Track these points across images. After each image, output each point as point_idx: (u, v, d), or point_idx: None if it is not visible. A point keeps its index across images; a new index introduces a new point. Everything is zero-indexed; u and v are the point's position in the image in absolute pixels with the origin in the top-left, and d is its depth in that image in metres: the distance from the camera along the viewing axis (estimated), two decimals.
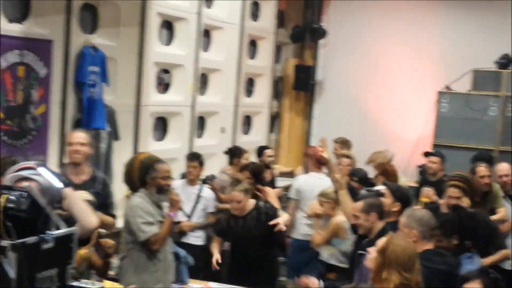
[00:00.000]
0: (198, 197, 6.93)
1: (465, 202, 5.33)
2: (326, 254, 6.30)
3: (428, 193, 7.09)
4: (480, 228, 5.08)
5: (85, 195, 4.83)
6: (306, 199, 7.13)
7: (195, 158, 7.02)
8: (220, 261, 6.05)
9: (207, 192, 7.03)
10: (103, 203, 5.22)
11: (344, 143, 8.71)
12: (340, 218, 6.16)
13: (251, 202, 6.00)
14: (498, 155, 9.66)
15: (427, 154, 8.36)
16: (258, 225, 5.89)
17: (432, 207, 5.72)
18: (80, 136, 5.25)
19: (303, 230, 7.13)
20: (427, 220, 4.27)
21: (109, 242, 4.62)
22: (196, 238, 6.92)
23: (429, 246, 4.21)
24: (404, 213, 4.39)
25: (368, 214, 4.69)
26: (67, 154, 5.33)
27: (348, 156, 7.93)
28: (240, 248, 6.05)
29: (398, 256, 3.47)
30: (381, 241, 3.61)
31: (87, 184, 5.10)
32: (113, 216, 5.45)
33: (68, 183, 3.39)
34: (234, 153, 7.89)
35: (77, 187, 4.82)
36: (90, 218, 3.49)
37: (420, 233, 4.17)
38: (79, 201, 3.49)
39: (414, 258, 3.51)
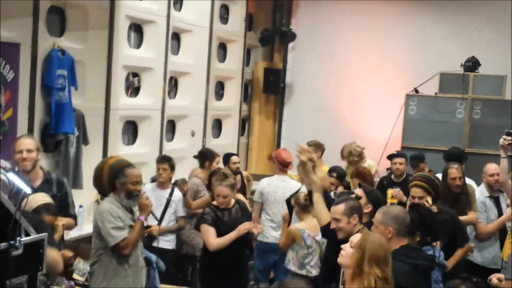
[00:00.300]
0: (169, 201, 6.89)
1: (428, 201, 5.40)
2: (287, 259, 6.31)
3: (396, 193, 7.18)
4: (438, 224, 5.14)
5: (44, 197, 4.79)
6: (269, 202, 7.15)
7: (165, 161, 6.97)
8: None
9: (177, 195, 6.98)
10: (62, 204, 5.22)
11: (317, 146, 8.72)
12: (296, 225, 6.23)
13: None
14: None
15: (391, 157, 8.43)
16: (243, 216, 6.01)
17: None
18: (26, 143, 5.18)
19: (267, 232, 7.12)
20: (403, 217, 4.32)
21: (68, 253, 4.59)
22: (166, 242, 6.87)
23: (404, 242, 4.25)
24: (379, 210, 4.41)
25: (350, 217, 4.70)
26: (17, 161, 5.19)
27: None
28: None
29: (377, 251, 3.53)
30: (356, 238, 3.65)
31: (41, 189, 5.04)
32: (74, 216, 5.45)
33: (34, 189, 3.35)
34: (206, 156, 7.81)
35: (34, 191, 4.77)
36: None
37: (395, 230, 4.21)
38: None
39: (389, 253, 3.58)
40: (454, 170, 6.54)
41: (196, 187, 7.38)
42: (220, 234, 5.91)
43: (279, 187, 7.13)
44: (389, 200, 7.20)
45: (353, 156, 8.48)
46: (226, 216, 5.98)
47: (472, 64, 10.16)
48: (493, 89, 10.06)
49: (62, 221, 5.00)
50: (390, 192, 7.37)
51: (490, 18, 10.58)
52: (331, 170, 7.41)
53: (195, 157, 8.02)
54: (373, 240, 3.62)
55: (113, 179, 4.95)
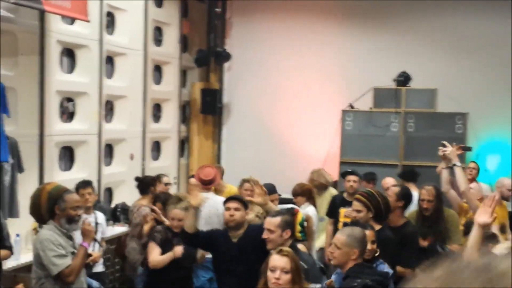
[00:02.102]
0: (96, 224, 6.82)
1: (365, 216, 5.41)
2: None
3: (349, 213, 7.17)
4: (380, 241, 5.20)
5: None
6: (200, 217, 7.20)
7: (88, 185, 6.84)
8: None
9: (102, 218, 6.98)
10: None
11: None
12: None
13: None
14: (401, 170, 9.99)
15: (345, 174, 8.44)
16: None
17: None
18: None
19: None
20: (364, 238, 4.36)
21: None
22: (99, 265, 6.84)
23: (358, 260, 4.28)
24: (342, 232, 4.40)
25: (284, 231, 4.72)
26: None
27: (249, 181, 8.00)
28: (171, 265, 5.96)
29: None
30: (284, 260, 3.68)
31: None
32: (10, 248, 5.36)
33: None
34: (147, 183, 7.72)
35: None
36: None
37: (360, 252, 4.24)
38: None
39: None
40: (424, 191, 6.37)
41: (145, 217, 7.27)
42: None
43: (207, 203, 7.13)
44: (341, 219, 7.21)
45: (322, 182, 8.54)
46: (176, 241, 5.93)
47: (404, 79, 10.41)
48: (425, 102, 10.32)
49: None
50: (342, 211, 7.36)
51: (421, 33, 10.88)
52: (245, 181, 7.48)
53: (137, 183, 7.87)
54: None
55: (53, 206, 4.86)
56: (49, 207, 4.88)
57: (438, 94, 10.27)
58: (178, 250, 5.86)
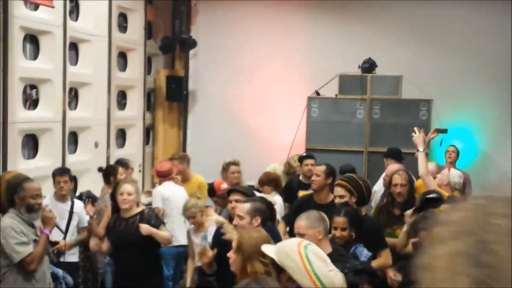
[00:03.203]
0: (71, 213, 6.72)
1: (349, 201, 5.43)
2: None
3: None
4: (366, 223, 5.22)
5: None
6: (172, 203, 7.43)
7: (65, 173, 6.78)
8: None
9: (79, 206, 6.82)
10: None
11: (182, 158, 8.65)
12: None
13: (139, 208, 5.98)
14: (367, 156, 10.08)
15: (302, 158, 8.53)
16: (137, 230, 5.81)
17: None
18: None
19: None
20: (323, 217, 4.40)
21: None
22: (71, 255, 6.72)
23: (327, 244, 4.29)
24: (300, 219, 4.40)
25: (253, 218, 4.72)
26: None
27: (235, 163, 8.06)
28: (118, 251, 5.95)
29: (255, 245, 3.59)
30: (234, 241, 3.68)
31: None
32: None
33: None
34: (108, 172, 7.71)
35: None
36: None
37: (324, 230, 4.28)
38: None
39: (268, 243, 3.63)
40: (397, 175, 6.11)
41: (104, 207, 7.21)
42: (110, 243, 5.94)
43: (175, 192, 7.56)
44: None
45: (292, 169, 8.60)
46: (121, 226, 5.89)
47: (369, 66, 10.46)
48: (390, 89, 10.39)
49: None
50: (301, 194, 7.42)
51: (386, 20, 10.95)
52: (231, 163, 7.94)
53: (99, 171, 7.87)
54: (249, 237, 3.68)
55: (12, 194, 4.84)
56: (9, 195, 4.87)
57: (402, 81, 10.35)
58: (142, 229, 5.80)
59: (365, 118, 10.32)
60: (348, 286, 3.45)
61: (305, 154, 8.92)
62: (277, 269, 3.32)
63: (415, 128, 6.63)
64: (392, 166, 7.23)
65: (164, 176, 7.64)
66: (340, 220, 4.93)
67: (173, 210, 7.29)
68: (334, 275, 3.27)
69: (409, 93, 10.27)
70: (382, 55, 10.54)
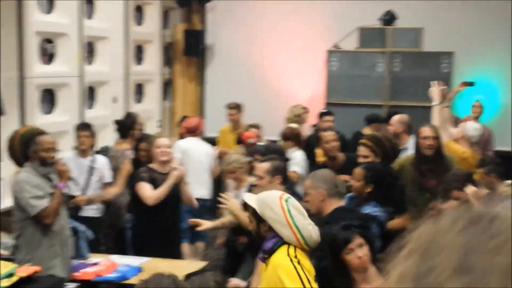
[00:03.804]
0: (92, 168, 6.70)
1: (375, 161, 5.32)
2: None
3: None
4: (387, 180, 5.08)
5: None
6: (190, 158, 7.36)
7: (86, 128, 6.76)
8: None
9: (101, 162, 6.80)
10: None
11: (239, 107, 8.89)
12: None
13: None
14: (388, 110, 9.96)
15: (322, 115, 8.48)
16: (177, 186, 5.89)
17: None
18: None
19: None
20: (330, 177, 4.33)
21: None
22: (93, 211, 6.70)
23: (337, 204, 4.24)
24: (308, 176, 4.43)
25: (273, 177, 4.68)
26: None
27: (256, 126, 8.07)
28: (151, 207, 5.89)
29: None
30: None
31: None
32: None
33: None
34: (127, 126, 7.63)
35: None
36: None
37: (326, 191, 4.21)
38: None
39: None
40: (426, 128, 5.64)
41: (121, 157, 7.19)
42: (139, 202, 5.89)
43: (195, 147, 7.50)
44: (318, 159, 7.22)
45: (298, 117, 8.55)
46: (161, 180, 5.87)
47: (389, 18, 10.27)
48: (411, 41, 10.21)
49: None
50: (319, 151, 7.35)
51: None
52: (251, 126, 7.98)
53: (116, 124, 7.82)
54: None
55: (26, 149, 4.87)
56: (23, 150, 4.91)
57: (424, 33, 10.16)
58: (177, 173, 5.83)
59: (385, 71, 10.17)
60: (341, 244, 3.51)
61: (324, 110, 8.85)
62: (257, 219, 3.52)
63: (434, 82, 6.51)
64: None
65: (191, 131, 7.64)
66: (357, 171, 4.90)
67: (190, 164, 7.26)
68: (312, 228, 3.47)
69: (430, 46, 10.09)
70: (402, 7, 10.32)
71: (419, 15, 10.36)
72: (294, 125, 8.22)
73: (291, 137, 7.63)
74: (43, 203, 4.80)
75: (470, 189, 4.35)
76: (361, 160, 5.37)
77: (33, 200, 4.78)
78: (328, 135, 6.19)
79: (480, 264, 0.73)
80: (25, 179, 4.81)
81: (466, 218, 0.79)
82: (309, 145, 7.86)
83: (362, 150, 5.42)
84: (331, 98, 10.25)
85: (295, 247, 3.43)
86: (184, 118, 8.76)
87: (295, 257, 3.38)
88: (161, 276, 2.93)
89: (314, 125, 9.45)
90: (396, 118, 7.27)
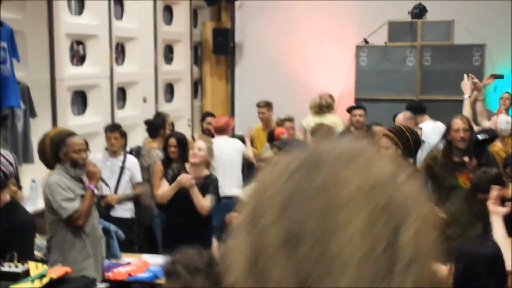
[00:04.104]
0: (122, 168, 6.77)
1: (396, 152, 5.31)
2: None
3: None
4: None
5: None
6: (218, 158, 7.26)
7: (116, 129, 6.85)
8: None
9: (131, 162, 6.86)
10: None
11: (268, 105, 8.89)
12: None
13: (206, 171, 6.07)
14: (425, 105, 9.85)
15: (351, 109, 8.44)
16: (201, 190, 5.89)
17: None
18: None
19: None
20: None
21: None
22: (124, 211, 6.77)
23: None
24: None
25: None
26: None
27: (290, 119, 8.07)
28: (178, 207, 5.93)
29: None
30: None
31: None
32: (21, 188, 5.48)
33: None
34: (157, 125, 7.69)
35: None
36: None
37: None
38: None
39: None
40: (458, 120, 5.46)
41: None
42: (178, 197, 5.86)
43: (223, 146, 7.39)
44: None
45: (323, 107, 8.48)
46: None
47: (419, 11, 10.18)
48: (441, 34, 10.11)
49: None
50: None
51: None
52: (284, 120, 8.01)
53: (146, 124, 7.88)
54: None
55: (56, 151, 4.90)
56: (53, 152, 4.94)
57: (454, 26, 10.04)
58: (183, 177, 5.78)
59: (416, 65, 10.08)
60: None
61: (355, 104, 8.80)
62: None
63: (468, 75, 6.43)
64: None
65: (220, 130, 7.64)
66: (383, 140, 5.17)
67: (220, 162, 7.27)
68: None
69: (461, 38, 9.98)
70: (432, 0, 10.21)
71: (450, 8, 10.23)
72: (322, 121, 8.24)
73: (320, 132, 7.64)
74: (75, 205, 4.85)
75: (494, 193, 4.26)
76: (382, 151, 5.33)
77: (65, 203, 4.83)
78: (381, 130, 6.16)
79: (300, 210, 0.76)
80: (56, 182, 4.85)
81: (296, 163, 0.82)
82: None
83: (383, 141, 5.38)
84: (360, 94, 10.21)
85: None
86: (206, 115, 8.83)
87: None
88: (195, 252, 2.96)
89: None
90: (400, 117, 7.34)
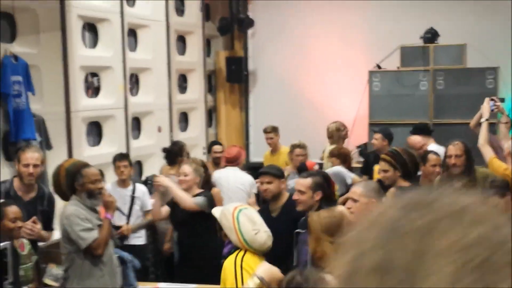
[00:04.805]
0: (133, 198, 6.82)
1: (393, 175, 5.39)
2: None
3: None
4: None
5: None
6: (225, 189, 7.27)
7: (125, 158, 6.89)
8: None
9: (141, 190, 6.94)
10: (47, 219, 5.27)
11: (275, 130, 8.99)
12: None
13: (198, 190, 6.08)
14: (432, 128, 9.84)
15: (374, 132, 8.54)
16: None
17: None
18: (34, 157, 5.26)
19: None
20: (379, 190, 4.46)
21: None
22: (137, 239, 6.83)
23: None
24: (357, 185, 4.61)
25: (314, 192, 4.76)
26: (21, 174, 5.28)
27: (300, 146, 8.07)
28: (180, 228, 6.09)
29: (321, 226, 3.71)
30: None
31: (35, 201, 5.12)
32: (52, 230, 5.54)
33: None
34: (175, 153, 7.77)
35: (25, 204, 4.86)
36: None
37: (377, 202, 4.28)
38: None
39: (340, 222, 3.78)
40: (451, 146, 5.74)
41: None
42: (175, 219, 6.08)
43: (230, 176, 7.36)
44: (376, 176, 7.19)
45: (340, 132, 8.70)
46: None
47: (431, 36, 10.19)
48: (454, 58, 10.11)
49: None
50: (376, 167, 7.36)
51: None
52: (296, 146, 7.95)
53: (164, 152, 7.96)
54: (317, 219, 3.83)
55: (72, 182, 4.96)
56: (69, 183, 4.99)
57: (467, 49, 10.05)
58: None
59: (429, 89, 10.08)
60: None
61: (375, 129, 8.83)
62: (220, 227, 4.14)
63: (490, 98, 6.48)
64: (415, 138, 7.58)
65: (231, 161, 7.59)
66: (381, 164, 5.37)
67: (230, 193, 7.26)
68: (260, 234, 4.00)
69: (474, 62, 9.97)
70: (444, 24, 10.24)
71: (462, 31, 10.25)
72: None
73: (338, 155, 7.69)
74: (93, 235, 4.89)
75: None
76: (381, 175, 5.48)
77: (83, 233, 4.87)
78: (435, 159, 6.16)
79: (396, 244, 0.79)
80: (74, 213, 4.90)
81: (408, 200, 0.85)
82: (367, 163, 8.09)
83: (381, 165, 5.51)
84: (374, 118, 10.21)
85: (245, 251, 3.99)
86: (213, 144, 8.86)
87: (241, 260, 3.94)
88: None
89: (359, 146, 9.47)
90: (379, 135, 7.97)
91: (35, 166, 5.23)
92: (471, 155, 5.78)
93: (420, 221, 0.80)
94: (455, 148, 5.68)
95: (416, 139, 7.78)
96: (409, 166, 5.45)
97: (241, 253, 3.97)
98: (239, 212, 4.07)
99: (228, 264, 3.98)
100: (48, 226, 5.38)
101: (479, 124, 6.44)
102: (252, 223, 4.02)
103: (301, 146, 8.11)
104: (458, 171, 5.62)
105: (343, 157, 7.68)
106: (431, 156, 6.18)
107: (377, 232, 0.82)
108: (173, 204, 6.02)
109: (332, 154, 7.82)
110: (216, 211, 4.24)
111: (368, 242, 0.81)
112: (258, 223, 4.06)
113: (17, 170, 5.32)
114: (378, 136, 8.22)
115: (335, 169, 7.36)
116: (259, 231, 4.02)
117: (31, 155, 5.25)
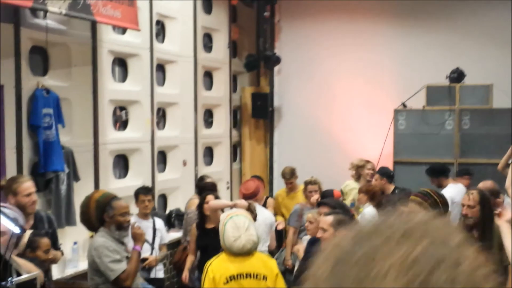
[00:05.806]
0: (155, 230, 6.92)
1: None
2: None
3: None
4: None
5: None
6: None
7: (149, 192, 7.04)
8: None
9: (160, 223, 7.11)
10: (52, 240, 5.23)
11: (293, 172, 9.02)
12: None
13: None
14: (457, 168, 9.80)
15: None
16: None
17: None
18: (32, 185, 5.18)
19: None
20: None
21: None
22: (158, 271, 6.91)
23: None
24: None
25: (337, 230, 4.76)
26: (24, 205, 5.07)
27: (311, 182, 8.03)
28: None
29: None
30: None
31: (35, 227, 5.08)
32: (61, 250, 5.48)
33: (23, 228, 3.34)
34: (208, 189, 7.79)
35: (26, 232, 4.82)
36: None
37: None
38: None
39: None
40: (465, 195, 5.44)
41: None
42: (202, 247, 6.29)
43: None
44: None
45: (362, 168, 8.88)
46: (211, 234, 5.96)
47: (457, 75, 10.21)
48: (480, 98, 10.11)
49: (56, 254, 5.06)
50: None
51: (473, 28, 10.67)
52: (309, 183, 7.98)
53: (197, 192, 8.03)
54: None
55: (101, 214, 4.99)
56: (98, 215, 5.03)
57: (493, 89, 10.04)
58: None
59: (455, 129, 10.07)
60: None
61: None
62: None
63: None
64: None
65: (250, 197, 7.46)
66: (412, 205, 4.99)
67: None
68: (235, 241, 4.56)
69: (500, 102, 9.95)
70: (470, 64, 10.27)
71: (488, 72, 10.27)
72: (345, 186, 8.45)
73: (366, 191, 7.67)
74: (122, 267, 4.93)
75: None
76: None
77: (112, 264, 4.91)
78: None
79: (343, 274, 0.83)
80: (103, 244, 4.94)
81: (359, 230, 0.88)
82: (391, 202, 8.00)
83: (411, 207, 5.33)
84: (399, 157, 10.20)
85: (222, 254, 4.65)
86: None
87: (211, 262, 4.62)
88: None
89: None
90: (376, 175, 8.32)
91: (30, 194, 5.09)
92: (488, 206, 5.31)
93: (365, 248, 0.82)
94: (468, 197, 5.32)
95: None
96: (440, 206, 5.27)
97: (219, 254, 4.67)
98: (229, 219, 4.67)
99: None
100: (55, 246, 5.30)
101: (507, 165, 6.39)
102: (236, 230, 4.59)
103: (313, 182, 8.07)
104: (471, 222, 5.22)
105: (371, 194, 7.66)
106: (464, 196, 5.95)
107: (329, 264, 0.85)
108: (202, 227, 6.28)
109: (360, 191, 7.83)
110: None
111: (323, 274, 0.85)
112: (242, 229, 4.60)
113: (13, 203, 5.00)
114: (376, 176, 8.31)
115: (369, 211, 7.28)
116: (239, 238, 4.56)
117: (29, 184, 5.14)
